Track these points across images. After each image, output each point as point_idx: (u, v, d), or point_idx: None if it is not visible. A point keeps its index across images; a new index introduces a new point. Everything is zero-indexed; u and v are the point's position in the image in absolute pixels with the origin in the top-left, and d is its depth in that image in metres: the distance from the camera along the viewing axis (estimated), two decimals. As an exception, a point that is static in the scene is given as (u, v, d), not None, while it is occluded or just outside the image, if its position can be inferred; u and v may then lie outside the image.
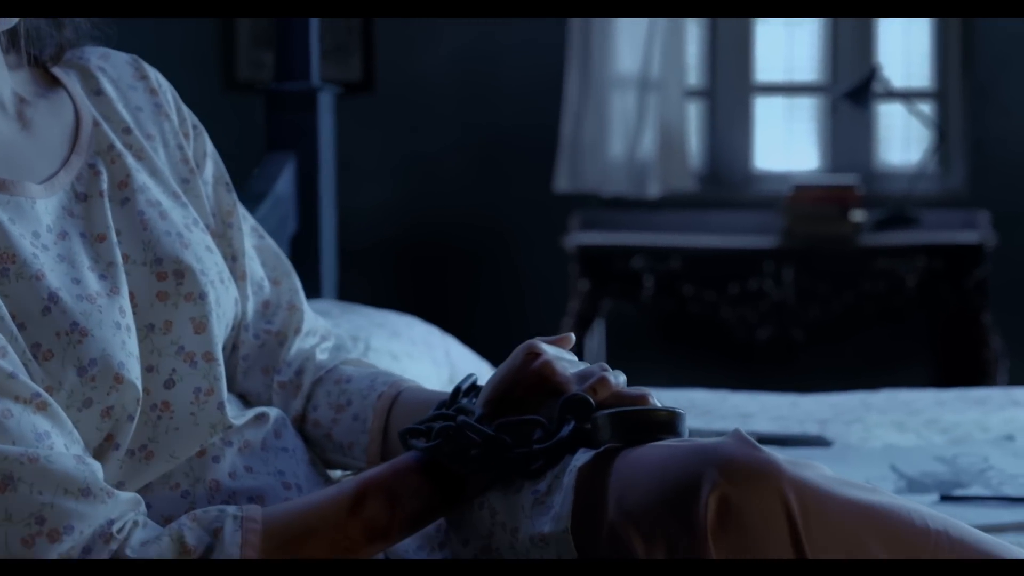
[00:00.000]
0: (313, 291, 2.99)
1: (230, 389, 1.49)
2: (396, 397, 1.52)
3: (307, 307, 1.62)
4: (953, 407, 2.56)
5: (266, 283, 1.59)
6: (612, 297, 4.36)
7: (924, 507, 1.23)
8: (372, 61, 4.71)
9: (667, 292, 4.28)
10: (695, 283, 4.27)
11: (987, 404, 2.58)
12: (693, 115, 4.77)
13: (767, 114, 4.83)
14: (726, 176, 4.78)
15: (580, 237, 4.37)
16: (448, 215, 4.76)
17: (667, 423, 1.27)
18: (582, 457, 1.27)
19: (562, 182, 4.55)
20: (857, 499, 1.19)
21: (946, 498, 1.94)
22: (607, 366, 1.35)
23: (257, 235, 1.62)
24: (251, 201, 2.63)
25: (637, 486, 1.20)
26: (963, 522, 1.26)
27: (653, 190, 4.53)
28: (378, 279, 4.70)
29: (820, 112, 4.81)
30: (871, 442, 2.35)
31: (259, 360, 1.57)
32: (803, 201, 4.32)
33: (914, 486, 2.02)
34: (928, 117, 4.64)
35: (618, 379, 1.34)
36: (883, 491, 1.23)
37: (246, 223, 1.59)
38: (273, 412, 1.49)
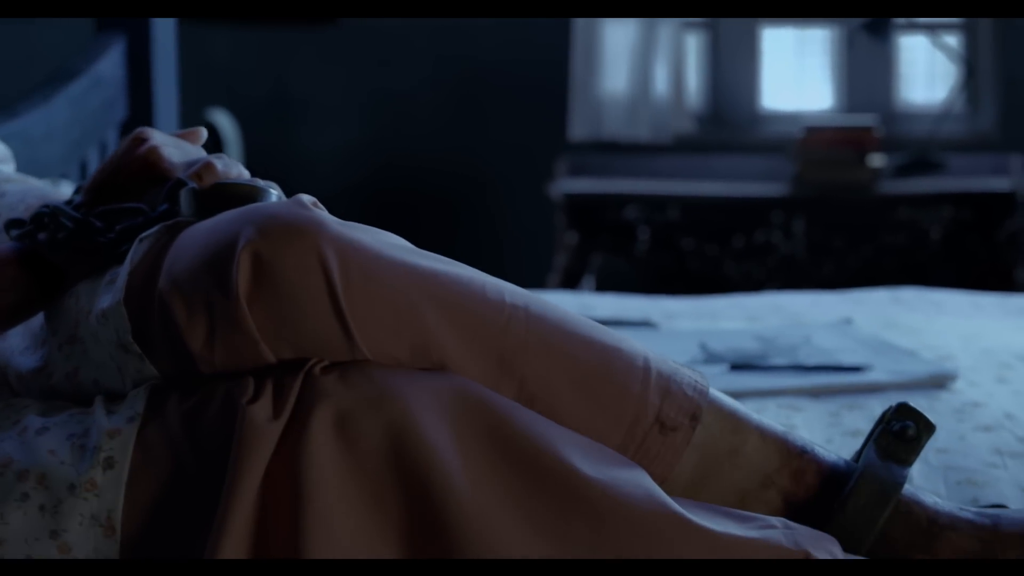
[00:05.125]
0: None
1: None
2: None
3: None
4: (826, 307, 2.59)
5: None
6: (603, 251, 4.28)
7: (512, 286, 1.26)
8: (336, -12, 4.57)
9: (664, 245, 4.19)
10: (695, 235, 4.19)
11: (865, 304, 2.62)
12: (692, 49, 4.75)
13: (775, 47, 4.80)
14: (730, 117, 4.75)
15: (567, 184, 4.29)
16: (421, 159, 4.72)
17: (247, 196, 1.28)
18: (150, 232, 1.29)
19: (544, 124, 4.51)
20: (418, 264, 1.21)
21: (737, 367, 2.01)
22: (223, 155, 1.37)
23: None
24: (62, 79, 2.69)
25: (186, 253, 1.22)
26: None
27: (648, 132, 4.48)
28: (344, 230, 4.49)
29: (834, 45, 4.78)
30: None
31: None
32: (816, 144, 4.24)
33: (711, 359, 2.09)
34: (955, 51, 4.56)
35: (231, 169, 1.36)
36: (465, 267, 1.25)
37: None
38: None
